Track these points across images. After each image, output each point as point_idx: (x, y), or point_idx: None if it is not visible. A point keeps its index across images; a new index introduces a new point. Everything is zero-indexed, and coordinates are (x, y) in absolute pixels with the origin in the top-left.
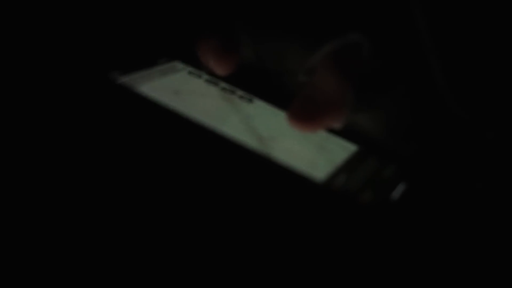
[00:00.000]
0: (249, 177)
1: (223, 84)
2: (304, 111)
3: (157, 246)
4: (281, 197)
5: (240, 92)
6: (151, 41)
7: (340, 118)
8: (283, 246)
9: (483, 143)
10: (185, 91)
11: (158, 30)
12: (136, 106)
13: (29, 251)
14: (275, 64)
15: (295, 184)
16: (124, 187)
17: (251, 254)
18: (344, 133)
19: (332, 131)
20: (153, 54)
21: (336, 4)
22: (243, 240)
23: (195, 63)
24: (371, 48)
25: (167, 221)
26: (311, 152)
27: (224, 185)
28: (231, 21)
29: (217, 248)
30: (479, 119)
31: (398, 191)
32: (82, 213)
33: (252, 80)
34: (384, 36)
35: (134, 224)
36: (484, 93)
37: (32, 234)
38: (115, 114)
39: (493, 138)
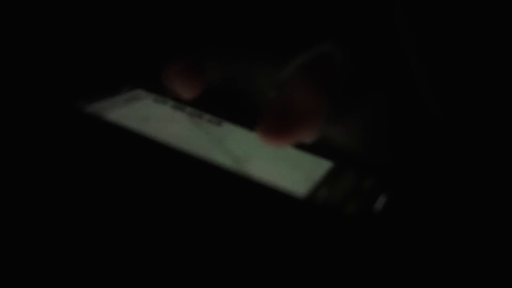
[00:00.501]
0: (230, 199)
1: (189, 109)
2: (274, 123)
3: (135, 271)
4: (264, 215)
5: (207, 116)
6: (110, 68)
7: (313, 130)
8: (274, 264)
9: (465, 146)
10: (153, 118)
11: (117, 58)
12: (110, 135)
13: None
14: (244, 84)
15: (277, 202)
16: (103, 216)
17: (242, 273)
18: (319, 150)
19: (307, 148)
20: (113, 81)
21: (305, 15)
22: (231, 262)
23: (158, 91)
24: (344, 56)
25: (145, 249)
26: (288, 170)
27: (205, 208)
28: (196, 44)
29: (203, 269)
30: (460, 122)
31: (380, 203)
32: (50, 249)
33: (219, 103)
34: (359, 41)
35: (110, 252)
36: (465, 94)
37: None
38: (88, 144)
39: (476, 141)
